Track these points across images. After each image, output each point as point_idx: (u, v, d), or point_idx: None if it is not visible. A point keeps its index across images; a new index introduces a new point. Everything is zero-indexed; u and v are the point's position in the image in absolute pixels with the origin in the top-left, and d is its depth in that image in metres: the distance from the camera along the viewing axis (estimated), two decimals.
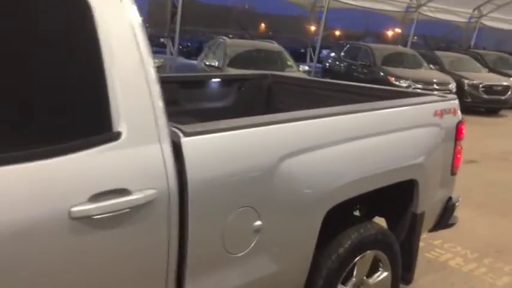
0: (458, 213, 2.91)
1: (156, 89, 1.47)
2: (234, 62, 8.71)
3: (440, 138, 2.50)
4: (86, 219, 1.29)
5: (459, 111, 2.65)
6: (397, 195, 2.42)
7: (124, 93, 1.39)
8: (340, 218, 2.16)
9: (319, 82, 3.83)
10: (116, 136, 1.37)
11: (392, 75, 10.77)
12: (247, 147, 1.68)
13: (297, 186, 1.82)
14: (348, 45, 13.63)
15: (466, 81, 11.46)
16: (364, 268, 2.27)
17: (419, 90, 8.31)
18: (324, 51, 16.52)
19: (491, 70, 13.14)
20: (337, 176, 1.97)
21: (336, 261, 2.10)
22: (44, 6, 1.31)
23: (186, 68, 13.08)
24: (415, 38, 19.05)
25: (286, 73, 7.77)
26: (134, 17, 1.46)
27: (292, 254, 1.90)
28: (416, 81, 10.47)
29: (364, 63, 11.92)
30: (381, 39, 24.42)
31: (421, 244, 2.79)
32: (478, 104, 11.45)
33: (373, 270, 2.33)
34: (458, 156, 2.67)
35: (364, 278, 2.29)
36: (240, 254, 1.70)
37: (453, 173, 2.69)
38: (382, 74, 11.09)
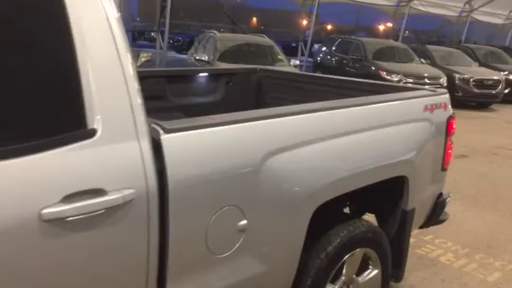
0: (449, 208, 2.88)
1: (135, 85, 1.41)
2: (224, 56, 8.63)
3: (430, 134, 2.46)
4: (58, 221, 1.22)
5: (450, 106, 2.61)
6: (386, 191, 2.38)
7: (99, 89, 1.33)
8: (329, 215, 2.11)
9: (308, 76, 3.77)
10: (91, 133, 1.31)
11: (383, 70, 10.77)
12: (231, 144, 1.62)
13: (284, 184, 1.76)
14: (340, 40, 13.60)
15: (457, 76, 11.49)
16: (353, 266, 2.23)
17: (410, 85, 8.30)
18: (316, 46, 16.47)
19: (482, 64, 13.18)
20: (325, 173, 1.92)
21: (325, 259, 2.06)
22: None
23: (176, 63, 12.98)
24: (407, 32, 19.04)
25: (276, 67, 7.72)
26: (111, 12, 1.39)
27: (279, 254, 1.85)
28: (408, 76, 10.48)
29: (355, 57, 11.91)
30: (373, 33, 24.41)
31: (411, 240, 2.76)
32: (468, 98, 11.49)
33: (362, 268, 2.30)
34: (449, 151, 2.63)
35: (354, 276, 2.25)
36: (224, 255, 1.65)
37: (444, 168, 2.66)
38: (373, 68, 11.08)
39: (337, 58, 12.93)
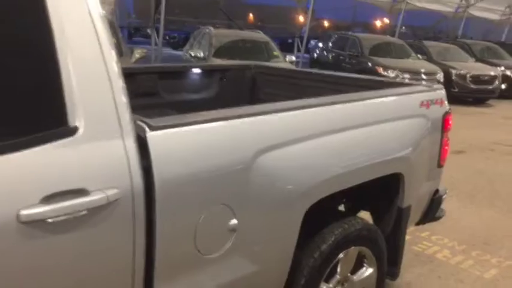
0: (445, 204, 2.84)
1: (119, 82, 1.35)
2: (220, 52, 8.57)
3: (426, 130, 2.41)
4: (38, 223, 1.17)
5: (446, 102, 2.57)
6: (382, 188, 2.34)
7: (81, 86, 1.27)
8: (323, 213, 2.07)
9: (303, 72, 3.73)
10: (72, 131, 1.25)
11: (380, 65, 10.74)
12: (220, 141, 1.57)
13: (275, 182, 1.72)
14: (336, 36, 13.57)
15: (453, 71, 11.47)
16: (348, 265, 2.19)
17: (407, 81, 8.26)
18: (312, 42, 16.43)
19: (478, 60, 13.17)
20: (318, 171, 1.87)
21: (319, 258, 2.01)
22: None
23: (172, 59, 12.90)
24: (403, 28, 19.02)
25: (271, 63, 7.67)
26: (94, 8, 1.33)
27: (271, 253, 1.80)
28: (404, 71, 10.45)
29: (351, 53, 11.87)
30: (369, 29, 24.40)
31: (408, 237, 2.73)
32: (465, 93, 11.47)
33: (357, 266, 2.26)
34: (446, 148, 2.59)
35: (349, 274, 2.22)
36: (214, 255, 1.60)
37: (440, 165, 2.62)
38: (369, 64, 11.04)
39: (333, 54, 12.89)
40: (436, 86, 2.62)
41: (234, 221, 1.61)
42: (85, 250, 1.28)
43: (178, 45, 21.12)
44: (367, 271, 2.30)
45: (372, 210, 2.60)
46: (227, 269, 1.66)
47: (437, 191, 2.72)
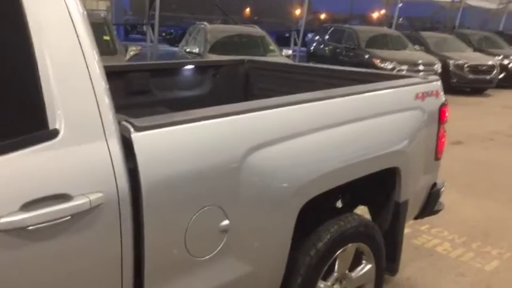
0: (444, 196, 2.80)
1: (102, 83, 1.31)
2: (215, 48, 8.50)
3: (422, 122, 2.37)
4: (18, 231, 1.13)
5: (442, 93, 2.52)
6: (378, 183, 2.29)
7: (61, 88, 1.22)
8: (319, 210, 2.03)
9: (298, 67, 3.68)
10: (52, 134, 1.21)
11: (377, 58, 10.66)
12: (209, 140, 1.52)
13: (268, 181, 1.67)
14: (332, 28, 13.46)
15: (451, 62, 11.39)
16: (346, 262, 2.15)
17: (404, 72, 8.21)
18: (309, 35, 16.33)
19: (476, 50, 13.09)
20: (312, 168, 1.83)
21: (315, 256, 1.97)
22: None
23: (168, 56, 12.81)
24: (400, 19, 18.90)
25: (266, 58, 7.60)
26: (73, 7, 1.29)
27: (265, 254, 1.76)
28: (401, 63, 10.37)
29: (348, 46, 11.78)
30: (367, 21, 24.26)
31: (407, 230, 2.69)
32: (463, 84, 11.40)
33: (355, 263, 2.22)
34: (442, 140, 2.55)
35: (347, 272, 2.18)
36: (206, 257, 1.56)
37: (437, 158, 2.57)
38: (366, 56, 10.96)
39: (330, 47, 12.79)
40: (431, 77, 2.57)
41: (225, 222, 1.57)
42: (69, 257, 1.24)
43: (175, 41, 20.97)
44: (366, 267, 2.26)
45: (369, 206, 2.56)
46: (220, 271, 1.62)
47: (435, 184, 2.68)
